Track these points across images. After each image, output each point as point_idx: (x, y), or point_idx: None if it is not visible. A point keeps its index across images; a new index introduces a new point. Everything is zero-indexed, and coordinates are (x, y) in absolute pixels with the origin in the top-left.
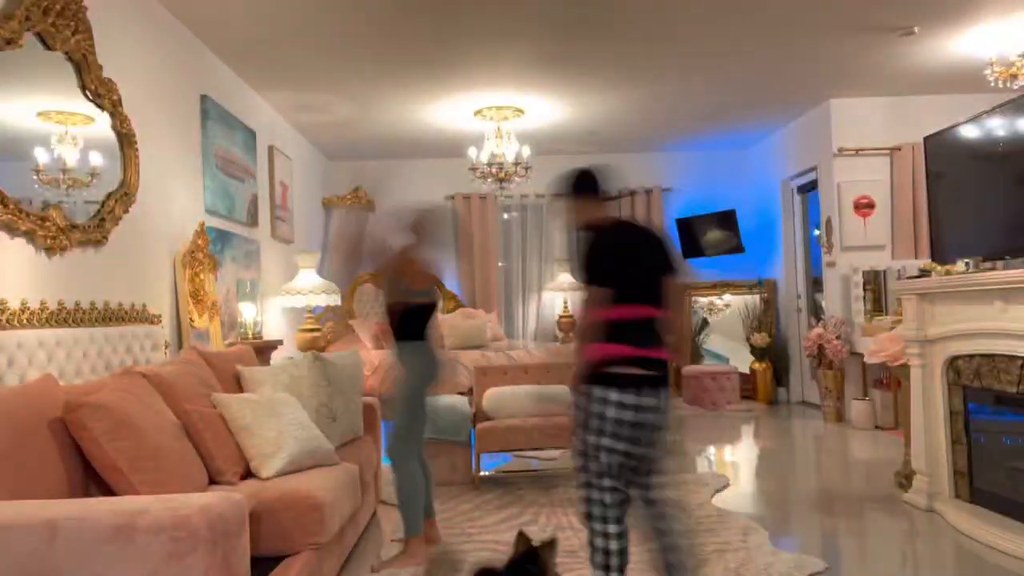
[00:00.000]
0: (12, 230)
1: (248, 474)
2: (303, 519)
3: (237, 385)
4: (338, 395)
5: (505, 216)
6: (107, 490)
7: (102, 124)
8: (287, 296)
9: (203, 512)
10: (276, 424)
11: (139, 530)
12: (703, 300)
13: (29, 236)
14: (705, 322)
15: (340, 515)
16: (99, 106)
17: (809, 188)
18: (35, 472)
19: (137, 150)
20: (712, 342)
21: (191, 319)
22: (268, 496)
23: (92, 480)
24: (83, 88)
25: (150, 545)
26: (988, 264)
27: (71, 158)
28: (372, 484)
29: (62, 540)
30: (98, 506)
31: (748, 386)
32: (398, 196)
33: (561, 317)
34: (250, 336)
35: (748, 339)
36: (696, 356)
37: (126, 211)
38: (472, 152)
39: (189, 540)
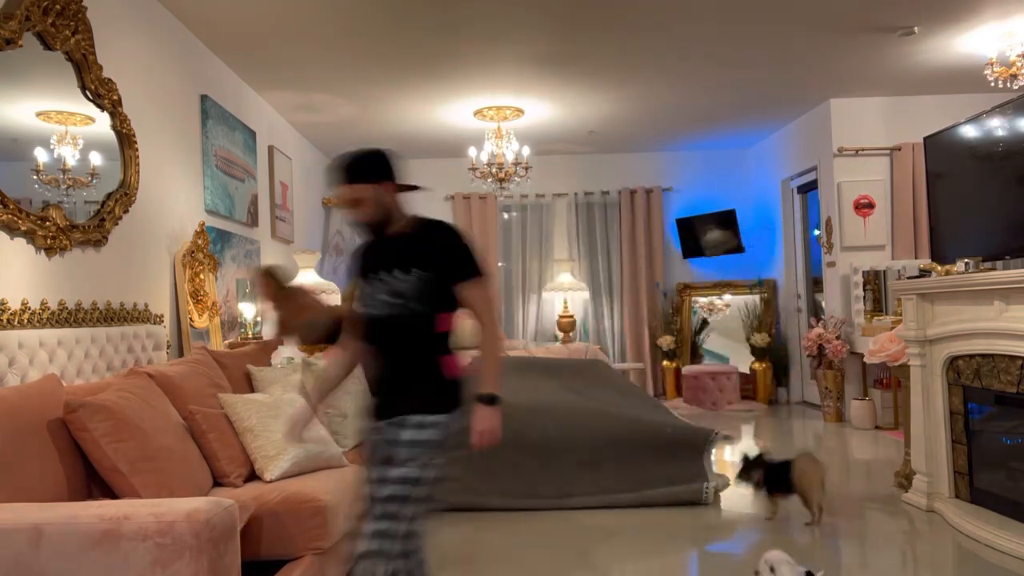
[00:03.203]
0: (12, 230)
1: (253, 476)
2: (306, 523)
3: (248, 385)
4: (347, 395)
5: (505, 216)
6: (109, 491)
7: (102, 124)
8: None
9: (189, 518)
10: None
11: (124, 536)
12: (703, 300)
13: (29, 236)
14: (705, 322)
15: (344, 519)
16: (99, 106)
17: (809, 188)
18: (36, 473)
19: (137, 150)
20: (712, 342)
21: (191, 319)
22: (270, 499)
23: (94, 481)
24: (83, 88)
25: (135, 551)
26: (988, 264)
27: (71, 158)
28: None
29: (47, 545)
30: (84, 511)
31: (748, 386)
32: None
33: (561, 317)
34: (250, 336)
35: (748, 339)
36: (696, 356)
37: (126, 211)
38: (472, 152)
39: (174, 547)
